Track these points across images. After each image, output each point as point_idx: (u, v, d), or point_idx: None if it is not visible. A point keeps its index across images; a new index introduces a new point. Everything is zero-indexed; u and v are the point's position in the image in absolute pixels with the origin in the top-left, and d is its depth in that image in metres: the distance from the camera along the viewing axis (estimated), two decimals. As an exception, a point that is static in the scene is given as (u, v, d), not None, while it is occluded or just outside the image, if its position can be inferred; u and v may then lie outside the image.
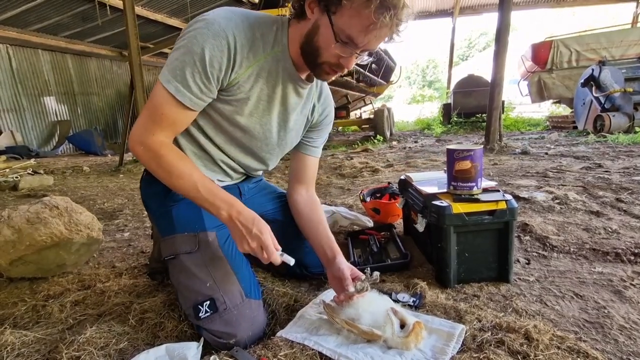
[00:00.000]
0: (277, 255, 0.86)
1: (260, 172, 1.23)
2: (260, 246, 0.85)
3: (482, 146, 1.16)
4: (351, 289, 0.94)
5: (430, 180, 1.39)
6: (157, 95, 0.86)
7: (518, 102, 10.26)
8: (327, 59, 0.87)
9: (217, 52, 0.83)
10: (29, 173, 4.46)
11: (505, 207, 1.11)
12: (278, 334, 0.92)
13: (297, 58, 0.93)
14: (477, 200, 1.13)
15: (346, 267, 1.00)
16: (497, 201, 1.12)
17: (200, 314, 0.91)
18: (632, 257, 1.28)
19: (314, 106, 1.11)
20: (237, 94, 0.92)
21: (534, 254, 1.39)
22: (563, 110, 9.32)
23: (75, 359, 0.86)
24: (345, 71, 0.91)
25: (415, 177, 1.47)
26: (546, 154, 3.86)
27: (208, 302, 0.91)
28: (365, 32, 0.80)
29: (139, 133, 0.88)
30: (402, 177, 1.54)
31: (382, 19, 0.76)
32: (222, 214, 0.87)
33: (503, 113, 7.23)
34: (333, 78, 0.96)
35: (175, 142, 0.99)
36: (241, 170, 1.12)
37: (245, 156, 1.07)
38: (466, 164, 1.14)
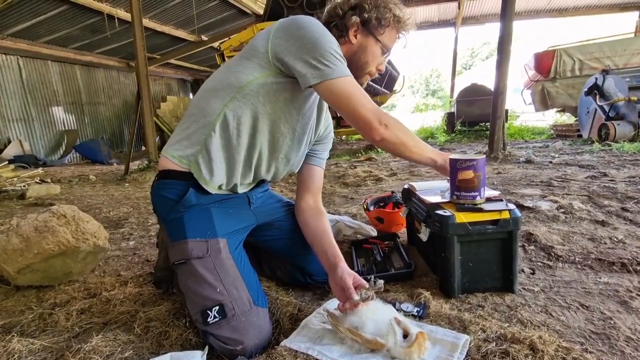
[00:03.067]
0: None
1: (269, 180, 1.26)
2: None
3: (484, 156, 1.17)
4: (355, 297, 0.94)
5: (434, 190, 1.39)
6: (347, 85, 0.97)
7: (521, 110, 10.26)
8: (371, 69, 1.14)
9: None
10: (36, 182, 4.53)
11: (509, 216, 1.11)
12: (282, 343, 0.92)
13: None
14: (480, 210, 1.13)
15: (348, 275, 1.01)
16: (500, 211, 1.12)
17: (208, 319, 0.92)
18: (639, 267, 1.27)
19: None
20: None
21: (539, 263, 1.38)
22: (567, 118, 9.30)
23: (81, 367, 0.87)
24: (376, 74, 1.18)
25: (419, 186, 1.48)
26: (550, 162, 3.84)
27: (217, 308, 0.92)
28: (394, 40, 1.16)
29: (374, 116, 0.98)
30: (406, 186, 1.55)
31: (407, 30, 1.15)
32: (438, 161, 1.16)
33: (507, 122, 7.24)
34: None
35: (210, 136, 1.02)
36: (253, 178, 1.14)
37: (273, 154, 1.12)
38: (469, 174, 1.14)
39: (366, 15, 1.07)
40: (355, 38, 1.10)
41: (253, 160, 1.08)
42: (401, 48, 1.18)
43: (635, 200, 2.07)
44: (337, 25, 1.09)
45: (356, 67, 1.10)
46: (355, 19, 1.08)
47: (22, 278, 1.38)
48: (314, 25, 0.98)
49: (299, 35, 0.96)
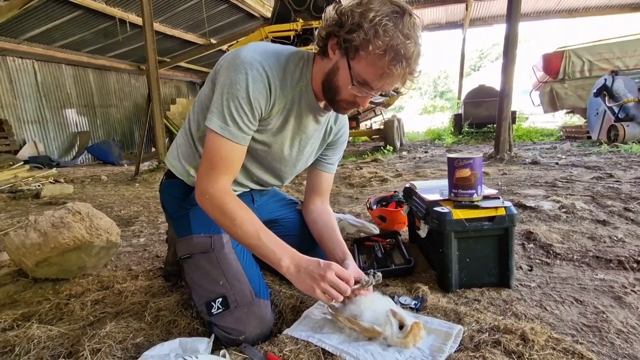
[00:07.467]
0: (348, 289, 0.90)
1: (274, 187, 1.31)
2: (330, 286, 0.88)
3: (481, 155, 1.20)
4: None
5: (433, 188, 1.43)
6: (214, 143, 0.94)
7: (530, 112, 10.17)
8: (345, 97, 0.95)
9: (257, 94, 0.93)
10: (50, 182, 4.66)
11: (505, 213, 1.15)
12: (284, 332, 0.97)
13: (318, 91, 1.02)
14: (477, 207, 1.17)
15: (353, 269, 1.03)
16: (496, 207, 1.15)
17: (212, 311, 0.97)
18: (635, 265, 1.29)
19: (330, 128, 1.20)
20: (267, 124, 1.02)
21: (537, 261, 1.41)
22: (578, 120, 9.19)
23: (96, 351, 0.93)
24: (361, 108, 1.01)
25: (419, 185, 1.52)
26: (557, 164, 3.83)
27: (220, 300, 0.97)
28: (379, 79, 0.88)
29: (202, 183, 0.95)
30: (407, 185, 1.59)
31: (394, 70, 0.85)
32: (284, 261, 0.93)
33: (514, 123, 7.18)
34: (350, 113, 1.04)
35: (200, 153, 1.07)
36: (256, 186, 1.21)
37: (264, 173, 1.16)
38: (466, 172, 1.18)
39: (340, 31, 0.88)
40: (334, 54, 0.92)
41: (246, 175, 1.14)
42: (401, 90, 0.95)
43: (639, 201, 2.07)
44: (320, 34, 0.95)
45: (329, 88, 0.96)
46: (331, 32, 0.91)
47: (40, 271, 1.46)
48: (233, 66, 0.92)
49: (221, 75, 0.95)
